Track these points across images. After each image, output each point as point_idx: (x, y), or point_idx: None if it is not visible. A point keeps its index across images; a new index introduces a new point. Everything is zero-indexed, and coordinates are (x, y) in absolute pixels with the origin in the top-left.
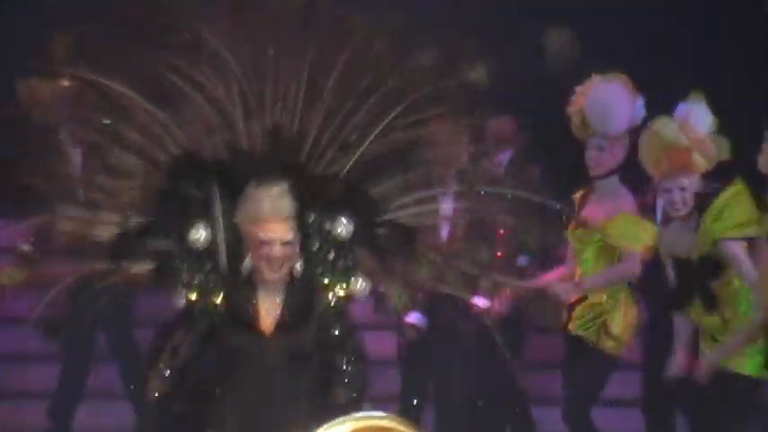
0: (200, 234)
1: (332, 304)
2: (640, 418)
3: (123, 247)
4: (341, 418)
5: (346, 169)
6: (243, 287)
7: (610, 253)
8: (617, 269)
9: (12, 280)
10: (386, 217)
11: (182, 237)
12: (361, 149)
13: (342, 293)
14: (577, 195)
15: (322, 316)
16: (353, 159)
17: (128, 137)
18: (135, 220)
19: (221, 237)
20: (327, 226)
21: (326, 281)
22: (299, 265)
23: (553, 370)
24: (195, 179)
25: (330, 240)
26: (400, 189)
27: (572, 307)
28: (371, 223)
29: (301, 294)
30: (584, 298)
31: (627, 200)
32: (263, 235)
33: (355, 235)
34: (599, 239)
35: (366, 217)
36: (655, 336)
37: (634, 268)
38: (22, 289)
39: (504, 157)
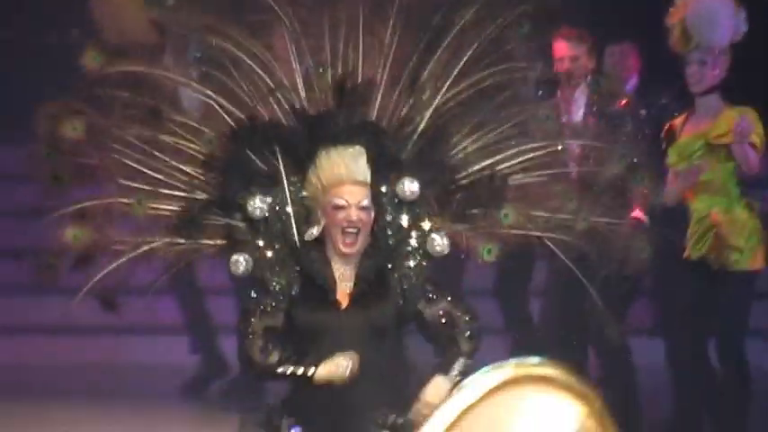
0: (259, 205)
1: (412, 270)
2: None
3: (189, 221)
4: (496, 364)
5: (421, 127)
6: (316, 260)
7: (716, 157)
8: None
9: (77, 240)
10: (466, 178)
11: (246, 209)
12: (436, 102)
13: (418, 259)
14: (677, 120)
15: (403, 284)
16: (428, 115)
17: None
18: (199, 194)
19: (290, 208)
20: (398, 190)
21: (404, 248)
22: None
23: None
24: (259, 148)
25: (403, 207)
26: (482, 145)
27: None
28: (450, 189)
29: (377, 265)
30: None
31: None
32: (338, 200)
33: (429, 197)
34: (701, 146)
35: (445, 182)
36: None
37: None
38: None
39: (630, 85)
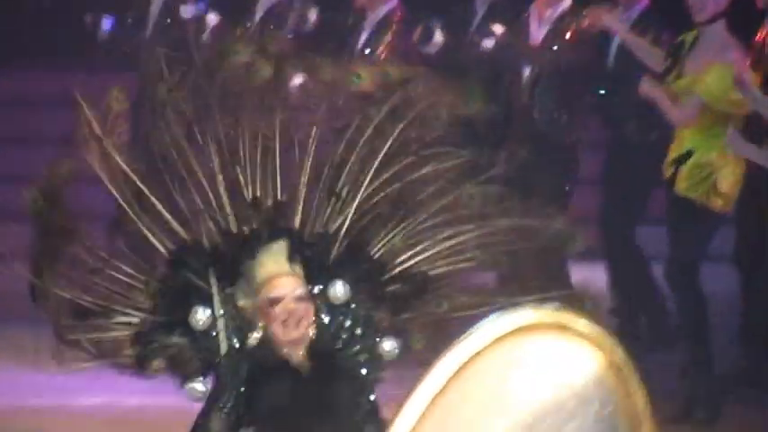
0: (201, 317)
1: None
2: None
3: (139, 347)
4: (510, 310)
5: (345, 228)
6: (266, 355)
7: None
8: (673, 111)
9: None
10: (394, 272)
11: (190, 324)
12: (357, 201)
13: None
14: (689, 37)
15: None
16: (350, 214)
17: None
18: (145, 317)
19: (222, 322)
20: (330, 293)
21: (353, 351)
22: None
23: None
24: (194, 268)
25: (339, 309)
26: (409, 236)
27: (677, 166)
28: (378, 282)
29: (325, 351)
30: (688, 155)
31: (733, 50)
32: (273, 293)
33: (363, 296)
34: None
35: (371, 277)
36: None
37: (683, 118)
38: None
39: (633, 12)
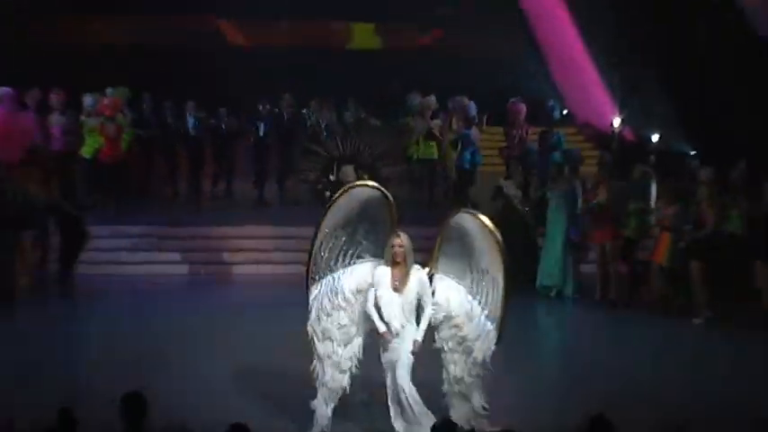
0: (333, 176)
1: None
2: None
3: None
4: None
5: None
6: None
7: None
8: None
9: None
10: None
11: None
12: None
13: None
14: None
15: None
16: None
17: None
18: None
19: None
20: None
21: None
22: None
23: None
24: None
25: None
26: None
27: None
28: (371, 167)
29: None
30: None
31: None
32: (346, 178)
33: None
34: None
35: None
36: None
37: None
38: None
39: None
